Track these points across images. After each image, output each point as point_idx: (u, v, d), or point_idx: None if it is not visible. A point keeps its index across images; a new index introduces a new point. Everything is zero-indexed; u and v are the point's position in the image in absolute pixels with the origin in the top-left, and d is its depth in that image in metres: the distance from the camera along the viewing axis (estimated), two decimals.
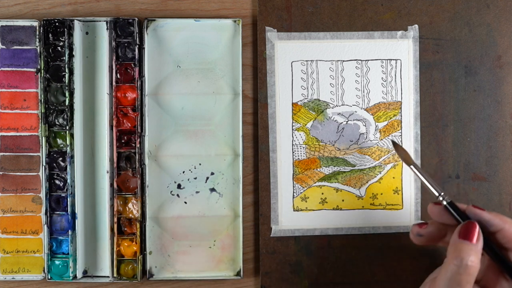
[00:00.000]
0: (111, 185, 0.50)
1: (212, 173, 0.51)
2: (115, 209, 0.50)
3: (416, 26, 0.51)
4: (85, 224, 0.50)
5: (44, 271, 0.50)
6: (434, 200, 0.45)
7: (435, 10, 0.51)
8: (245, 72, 0.52)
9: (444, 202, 0.43)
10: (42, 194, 0.50)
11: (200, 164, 0.51)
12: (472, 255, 0.40)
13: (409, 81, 0.51)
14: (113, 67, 0.50)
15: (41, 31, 0.49)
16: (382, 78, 0.51)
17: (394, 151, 0.51)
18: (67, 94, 0.49)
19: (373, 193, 0.52)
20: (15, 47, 0.50)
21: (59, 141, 0.50)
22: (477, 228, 0.41)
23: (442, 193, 0.44)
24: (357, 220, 0.52)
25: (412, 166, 0.46)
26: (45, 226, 0.50)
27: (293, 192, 0.51)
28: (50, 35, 0.49)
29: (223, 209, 0.51)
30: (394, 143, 0.49)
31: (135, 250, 0.50)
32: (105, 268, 0.51)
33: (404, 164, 0.51)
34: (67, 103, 0.49)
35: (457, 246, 0.40)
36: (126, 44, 0.50)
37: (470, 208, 0.43)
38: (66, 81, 0.49)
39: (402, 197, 0.52)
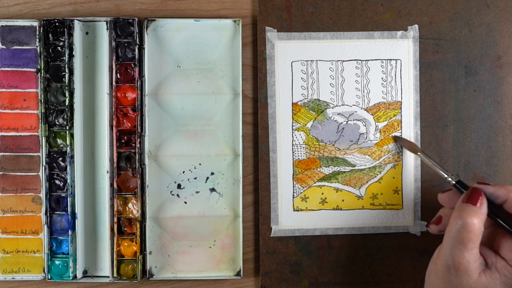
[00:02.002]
0: (111, 185, 0.50)
1: (212, 173, 0.51)
2: (115, 209, 0.50)
3: (416, 26, 0.51)
4: (85, 224, 0.50)
5: (44, 271, 0.50)
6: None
7: (435, 10, 0.51)
8: (245, 72, 0.52)
9: (453, 182, 0.45)
10: (42, 194, 0.50)
11: (200, 164, 0.51)
12: (473, 215, 0.41)
13: (409, 81, 0.51)
14: (113, 67, 0.50)
15: (41, 31, 0.49)
16: (382, 78, 0.51)
17: (394, 151, 0.51)
18: (67, 94, 0.49)
19: (373, 193, 0.52)
20: (15, 47, 0.50)
21: (59, 141, 0.50)
22: (481, 193, 0.42)
23: (450, 174, 0.46)
24: (357, 220, 0.52)
25: (419, 153, 0.49)
26: (45, 226, 0.50)
27: (293, 192, 0.51)
28: (50, 35, 0.49)
29: (223, 209, 0.51)
30: (396, 137, 0.51)
31: (135, 250, 0.50)
32: (105, 268, 0.51)
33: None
34: (67, 103, 0.49)
35: (460, 208, 0.42)
36: (126, 44, 0.50)
37: (475, 184, 0.44)
38: (66, 81, 0.49)
39: (402, 197, 0.52)
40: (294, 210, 0.51)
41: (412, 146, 0.50)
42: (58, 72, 0.50)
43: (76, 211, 0.50)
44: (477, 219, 0.40)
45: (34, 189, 0.50)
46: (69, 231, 0.50)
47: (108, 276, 0.50)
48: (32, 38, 0.50)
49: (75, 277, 0.50)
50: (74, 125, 0.50)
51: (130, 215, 0.50)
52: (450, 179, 0.46)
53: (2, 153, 0.50)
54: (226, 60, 0.51)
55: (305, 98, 0.51)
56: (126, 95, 0.50)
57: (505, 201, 0.42)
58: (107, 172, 0.50)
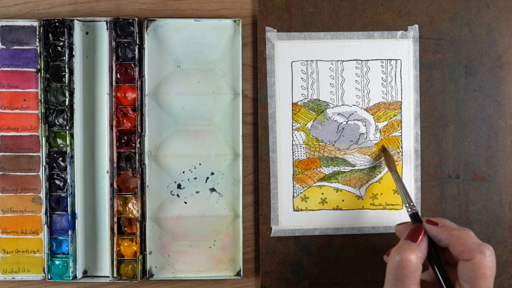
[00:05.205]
0: (111, 185, 0.50)
1: (212, 173, 0.51)
2: (115, 209, 0.50)
3: (416, 26, 0.51)
4: (85, 224, 0.50)
5: (44, 271, 0.50)
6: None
7: (435, 10, 0.51)
8: (245, 72, 0.52)
9: (410, 213, 0.45)
10: (42, 194, 0.50)
11: (200, 164, 0.51)
12: (410, 252, 0.40)
13: (409, 81, 0.51)
14: (113, 67, 0.50)
15: (41, 31, 0.49)
16: (382, 78, 0.51)
17: (394, 151, 0.51)
18: (67, 94, 0.49)
19: (373, 193, 0.52)
20: (15, 47, 0.50)
21: (59, 141, 0.50)
22: (422, 230, 0.42)
23: (412, 203, 0.45)
24: (357, 220, 0.52)
25: (393, 173, 0.49)
26: (45, 226, 0.50)
27: (293, 192, 0.51)
28: (50, 35, 0.49)
29: (223, 209, 0.51)
30: (384, 148, 0.51)
31: (135, 250, 0.50)
32: (105, 268, 0.51)
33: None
34: (67, 103, 0.49)
35: (399, 244, 0.41)
36: (126, 44, 0.50)
37: (424, 222, 0.43)
38: (66, 81, 0.49)
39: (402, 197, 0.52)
40: (294, 210, 0.51)
41: (391, 163, 0.50)
42: (58, 72, 0.50)
43: (76, 211, 0.50)
44: (413, 256, 0.40)
45: (34, 189, 0.50)
46: (69, 231, 0.50)
47: (108, 276, 0.50)
48: (32, 38, 0.50)
49: (75, 277, 0.50)
50: (74, 125, 0.50)
51: (130, 215, 0.50)
52: (409, 209, 0.45)
53: (2, 153, 0.50)
54: (226, 60, 0.51)
55: (305, 98, 0.51)
56: (126, 95, 0.50)
57: (448, 245, 0.41)
58: (107, 172, 0.50)
